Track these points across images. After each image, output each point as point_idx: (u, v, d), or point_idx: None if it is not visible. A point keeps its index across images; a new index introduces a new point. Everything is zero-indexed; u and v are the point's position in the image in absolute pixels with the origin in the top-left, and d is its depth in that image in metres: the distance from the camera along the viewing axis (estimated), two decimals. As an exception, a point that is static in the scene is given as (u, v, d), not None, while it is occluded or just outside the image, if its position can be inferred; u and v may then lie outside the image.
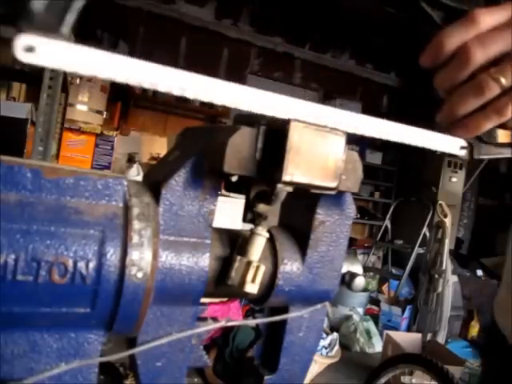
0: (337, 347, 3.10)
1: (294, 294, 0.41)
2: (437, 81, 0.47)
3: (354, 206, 0.43)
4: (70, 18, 0.29)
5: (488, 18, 0.44)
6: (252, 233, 0.38)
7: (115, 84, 3.69)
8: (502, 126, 0.48)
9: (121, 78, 0.30)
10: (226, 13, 4.69)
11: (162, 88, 0.32)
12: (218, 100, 0.34)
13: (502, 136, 0.49)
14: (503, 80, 0.43)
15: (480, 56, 0.44)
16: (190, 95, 0.33)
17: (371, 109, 4.93)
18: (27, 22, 0.27)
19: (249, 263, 0.36)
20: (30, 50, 0.27)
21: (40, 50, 0.27)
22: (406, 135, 0.42)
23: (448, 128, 0.47)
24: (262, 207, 0.38)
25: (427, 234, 4.04)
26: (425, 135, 0.44)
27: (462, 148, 0.47)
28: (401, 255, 4.90)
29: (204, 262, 0.36)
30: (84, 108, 3.83)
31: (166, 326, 0.36)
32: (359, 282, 0.43)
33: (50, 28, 0.28)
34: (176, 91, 0.33)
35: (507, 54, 0.44)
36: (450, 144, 0.47)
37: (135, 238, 0.32)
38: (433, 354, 2.66)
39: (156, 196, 0.35)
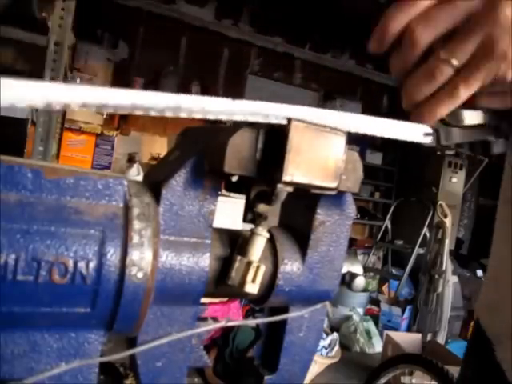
0: (337, 347, 3.10)
1: (294, 294, 0.41)
2: (390, 66, 0.44)
3: (354, 206, 0.43)
4: None
5: None
6: (252, 233, 0.38)
7: (116, 84, 3.70)
8: (470, 106, 0.45)
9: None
10: (226, 13, 4.69)
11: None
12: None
13: (471, 117, 0.46)
14: (454, 61, 0.41)
15: (426, 36, 0.41)
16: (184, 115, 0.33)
17: (371, 109, 4.93)
18: None
19: (249, 263, 0.36)
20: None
21: None
22: (365, 125, 0.40)
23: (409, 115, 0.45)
24: (262, 207, 0.38)
25: (427, 235, 4.03)
26: (386, 124, 0.42)
27: (427, 135, 0.45)
28: (401, 255, 4.90)
29: (204, 262, 0.36)
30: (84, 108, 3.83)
31: (166, 325, 0.36)
32: (359, 282, 0.43)
33: None
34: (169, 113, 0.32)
35: (456, 30, 0.41)
36: (413, 132, 0.44)
37: (135, 238, 0.32)
38: (433, 355, 2.66)
39: (156, 196, 0.35)
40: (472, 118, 0.46)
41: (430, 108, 0.43)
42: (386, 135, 0.42)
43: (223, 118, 0.34)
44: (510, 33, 0.40)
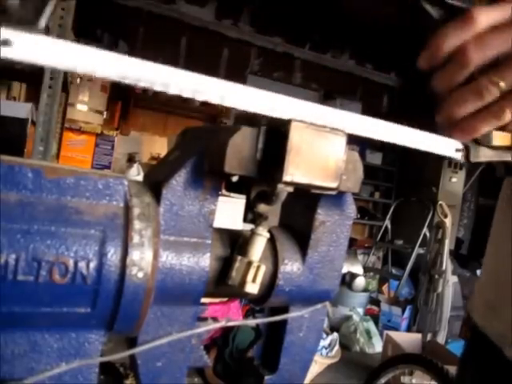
0: (337, 347, 3.10)
1: (295, 294, 0.41)
2: (435, 82, 0.46)
3: (355, 207, 0.43)
4: (47, 12, 0.28)
5: (486, 18, 0.43)
6: (252, 233, 0.38)
7: (116, 84, 3.69)
8: (502, 128, 0.47)
9: (101, 72, 0.30)
10: (226, 13, 4.70)
11: (158, 87, 0.32)
12: (216, 99, 0.34)
13: (500, 139, 0.48)
14: (502, 84, 0.43)
15: (478, 57, 0.43)
16: (188, 95, 0.33)
17: (371, 109, 4.93)
18: (3, 15, 0.27)
19: (249, 263, 0.36)
20: (5, 43, 0.27)
21: (16, 43, 0.27)
22: (400, 136, 0.42)
23: (446, 130, 0.46)
24: (262, 207, 0.38)
25: (427, 234, 4.04)
26: (419, 137, 0.43)
27: (458, 150, 0.47)
28: (401, 255, 4.91)
29: (204, 262, 0.36)
30: (84, 108, 3.83)
31: (166, 325, 0.36)
32: (359, 282, 0.43)
33: (26, 21, 0.28)
34: (173, 90, 0.32)
35: (506, 56, 0.43)
36: (445, 146, 0.46)
37: (136, 238, 0.32)
38: (433, 354, 2.66)
39: (156, 196, 0.35)
40: (501, 139, 0.48)
41: (474, 125, 0.45)
42: (418, 147, 0.44)
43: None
44: None
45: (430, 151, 0.45)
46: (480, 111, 0.45)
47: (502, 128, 0.47)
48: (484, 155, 0.48)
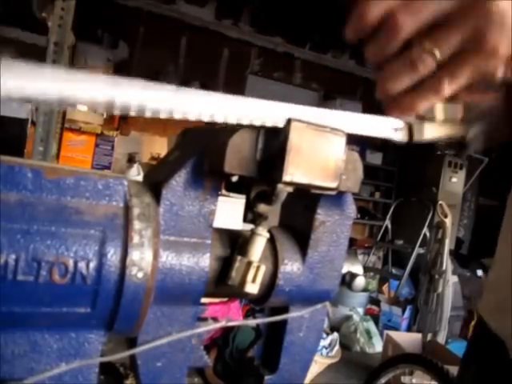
0: (337, 347, 3.10)
1: (295, 294, 0.41)
2: (367, 55, 0.41)
3: (355, 206, 0.43)
4: None
5: None
6: (252, 233, 0.38)
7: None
8: (448, 99, 0.41)
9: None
10: (226, 13, 4.69)
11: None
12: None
13: (448, 112, 0.42)
14: (437, 52, 0.38)
15: (409, 24, 0.38)
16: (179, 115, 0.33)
17: (372, 109, 4.92)
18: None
19: (249, 263, 0.36)
20: None
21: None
22: (329, 119, 0.38)
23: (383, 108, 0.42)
24: (262, 207, 0.38)
25: (427, 234, 4.03)
26: (351, 118, 0.40)
27: (397, 130, 0.42)
28: (401, 255, 4.90)
29: (204, 262, 0.36)
30: (84, 108, 3.82)
31: (166, 325, 0.36)
32: (359, 282, 0.43)
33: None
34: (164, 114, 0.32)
35: (441, 20, 0.38)
36: (382, 126, 0.41)
37: (136, 238, 0.32)
38: (433, 354, 2.66)
39: (156, 196, 0.35)
40: (448, 112, 0.43)
41: (410, 101, 0.40)
42: (352, 130, 0.39)
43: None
44: (502, 27, 0.37)
45: (364, 134, 0.40)
46: (417, 85, 0.40)
47: (450, 98, 0.41)
48: (430, 133, 0.43)
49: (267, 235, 0.38)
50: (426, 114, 0.42)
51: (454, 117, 0.43)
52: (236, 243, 0.39)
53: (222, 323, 0.39)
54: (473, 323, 4.13)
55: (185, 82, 4.40)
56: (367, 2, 0.39)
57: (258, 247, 0.37)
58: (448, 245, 3.35)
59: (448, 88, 0.39)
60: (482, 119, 0.45)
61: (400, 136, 0.42)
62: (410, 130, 0.42)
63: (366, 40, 0.41)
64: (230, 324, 0.41)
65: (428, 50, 0.38)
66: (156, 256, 0.32)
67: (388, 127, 0.42)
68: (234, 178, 0.36)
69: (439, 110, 0.43)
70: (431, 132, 0.43)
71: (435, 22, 0.38)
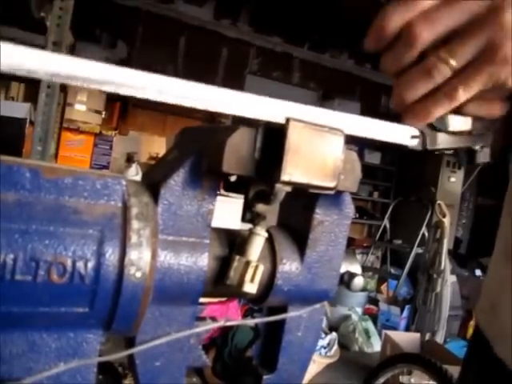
0: (335, 347, 3.10)
1: (293, 294, 0.41)
2: (383, 64, 0.43)
3: (353, 206, 0.43)
4: None
5: None
6: (251, 232, 0.38)
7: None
8: (458, 111, 0.43)
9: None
10: (224, 12, 4.70)
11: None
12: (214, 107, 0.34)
13: (458, 123, 0.44)
14: (453, 61, 0.40)
15: (426, 35, 0.40)
16: (187, 103, 0.33)
17: (370, 109, 4.93)
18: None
19: (247, 263, 0.36)
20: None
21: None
22: (347, 124, 0.39)
23: (400, 116, 0.43)
24: (260, 207, 0.38)
25: (426, 234, 4.04)
26: (370, 124, 0.41)
27: (414, 137, 0.43)
28: (399, 255, 4.91)
29: (203, 261, 0.36)
30: (83, 108, 3.83)
31: (164, 325, 0.36)
32: (358, 281, 0.43)
33: None
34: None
35: (456, 32, 0.40)
36: (399, 133, 0.43)
37: (134, 238, 0.32)
38: (431, 354, 2.66)
39: (155, 196, 0.35)
40: (459, 124, 0.45)
41: (425, 108, 0.42)
42: (370, 135, 0.41)
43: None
44: None
45: (382, 139, 0.41)
46: (432, 93, 0.41)
47: (458, 111, 0.43)
48: (442, 142, 0.45)
49: (265, 235, 0.38)
50: (437, 125, 0.44)
51: (464, 129, 0.46)
52: (234, 243, 0.39)
53: (221, 323, 0.39)
54: (471, 323, 4.14)
55: (183, 81, 4.39)
56: (387, 13, 0.40)
57: (257, 247, 0.37)
58: (446, 244, 3.35)
59: (462, 95, 0.41)
60: (489, 131, 0.47)
61: (415, 143, 0.44)
62: (424, 138, 0.45)
63: (382, 50, 0.42)
64: (229, 324, 0.41)
65: (443, 60, 0.40)
66: (154, 255, 0.32)
67: (404, 134, 0.43)
68: (233, 178, 0.36)
69: (450, 121, 0.45)
70: (443, 141, 0.45)
71: (451, 32, 0.40)
